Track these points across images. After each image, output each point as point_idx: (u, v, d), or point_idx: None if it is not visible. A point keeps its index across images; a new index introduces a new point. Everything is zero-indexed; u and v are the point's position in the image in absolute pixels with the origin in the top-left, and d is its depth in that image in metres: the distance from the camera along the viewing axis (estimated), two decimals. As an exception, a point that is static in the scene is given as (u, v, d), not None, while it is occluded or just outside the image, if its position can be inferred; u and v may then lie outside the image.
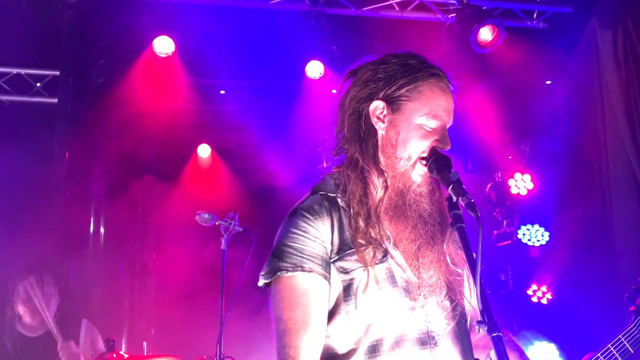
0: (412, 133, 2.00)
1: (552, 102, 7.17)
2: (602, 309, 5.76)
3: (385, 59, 2.09)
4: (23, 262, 5.76)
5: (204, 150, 7.90)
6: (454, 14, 5.98)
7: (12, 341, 4.38)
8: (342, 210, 2.03)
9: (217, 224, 4.13)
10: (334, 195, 2.06)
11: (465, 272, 2.06)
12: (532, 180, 7.00)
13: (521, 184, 6.99)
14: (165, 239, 6.94)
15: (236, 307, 3.96)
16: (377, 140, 2.04)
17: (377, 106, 2.04)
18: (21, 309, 4.41)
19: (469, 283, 2.10)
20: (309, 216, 2.00)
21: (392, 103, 2.02)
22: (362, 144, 2.05)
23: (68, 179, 6.38)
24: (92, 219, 6.41)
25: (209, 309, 5.25)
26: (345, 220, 2.01)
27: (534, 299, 6.74)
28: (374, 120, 2.05)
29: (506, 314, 6.51)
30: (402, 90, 2.01)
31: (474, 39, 5.52)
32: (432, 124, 2.00)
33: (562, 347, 6.15)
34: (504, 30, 5.54)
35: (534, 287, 6.77)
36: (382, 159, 2.04)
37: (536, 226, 6.94)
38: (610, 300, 5.74)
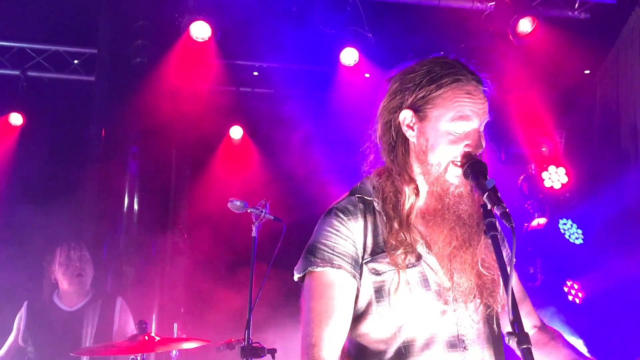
0: (439, 139, 2.03)
1: (590, 92, 7.02)
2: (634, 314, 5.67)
3: (412, 67, 2.11)
4: (59, 237, 5.89)
5: (236, 132, 7.92)
6: (493, 2, 5.86)
7: (56, 318, 4.43)
8: (377, 214, 2.10)
9: (248, 211, 4.14)
10: (371, 199, 2.13)
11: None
12: (566, 173, 6.89)
13: (555, 177, 6.88)
14: (197, 220, 7.02)
15: (265, 294, 4.00)
16: (408, 149, 2.11)
17: (405, 116, 2.08)
18: (59, 274, 4.44)
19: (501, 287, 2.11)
20: (342, 216, 2.08)
21: (419, 111, 2.06)
22: (394, 153, 2.12)
23: (103, 157, 6.47)
24: (126, 197, 6.51)
25: (239, 292, 5.32)
26: (380, 224, 2.08)
27: (569, 297, 6.65)
28: (404, 129, 2.09)
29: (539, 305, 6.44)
30: (427, 98, 2.04)
31: (512, 30, 5.41)
32: (459, 129, 2.02)
33: (589, 345, 6.08)
34: (544, 22, 5.41)
35: (569, 283, 6.67)
36: (415, 166, 2.10)
37: (573, 225, 6.81)
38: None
